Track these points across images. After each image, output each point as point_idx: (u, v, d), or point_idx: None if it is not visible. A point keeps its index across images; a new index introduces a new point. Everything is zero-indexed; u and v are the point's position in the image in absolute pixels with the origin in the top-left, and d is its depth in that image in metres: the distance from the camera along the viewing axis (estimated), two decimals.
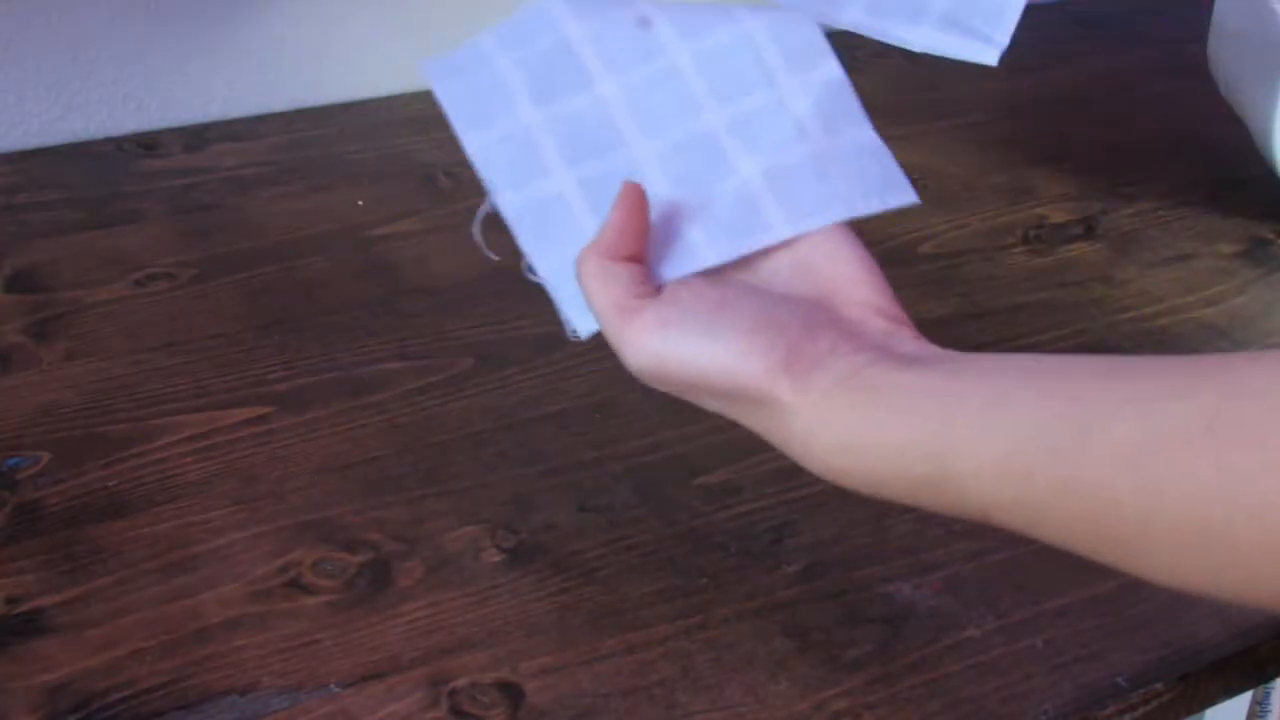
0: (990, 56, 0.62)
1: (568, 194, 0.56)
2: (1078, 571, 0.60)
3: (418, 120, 1.02)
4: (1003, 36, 0.62)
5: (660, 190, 0.55)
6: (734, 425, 0.67)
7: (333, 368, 0.73)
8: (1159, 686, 0.54)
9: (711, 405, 0.51)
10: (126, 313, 0.77)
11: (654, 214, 0.54)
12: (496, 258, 0.57)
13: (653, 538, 0.61)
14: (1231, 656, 0.56)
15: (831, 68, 0.57)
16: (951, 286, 0.81)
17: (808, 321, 0.50)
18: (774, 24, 0.57)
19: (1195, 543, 0.39)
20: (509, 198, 0.56)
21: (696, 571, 0.59)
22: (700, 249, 0.54)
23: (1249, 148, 0.91)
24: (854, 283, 0.52)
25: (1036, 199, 0.93)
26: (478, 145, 0.57)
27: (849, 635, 0.56)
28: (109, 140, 0.98)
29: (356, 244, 0.85)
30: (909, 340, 0.50)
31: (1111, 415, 0.41)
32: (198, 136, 0.99)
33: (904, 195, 0.55)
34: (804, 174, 0.55)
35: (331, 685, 0.53)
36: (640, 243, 0.53)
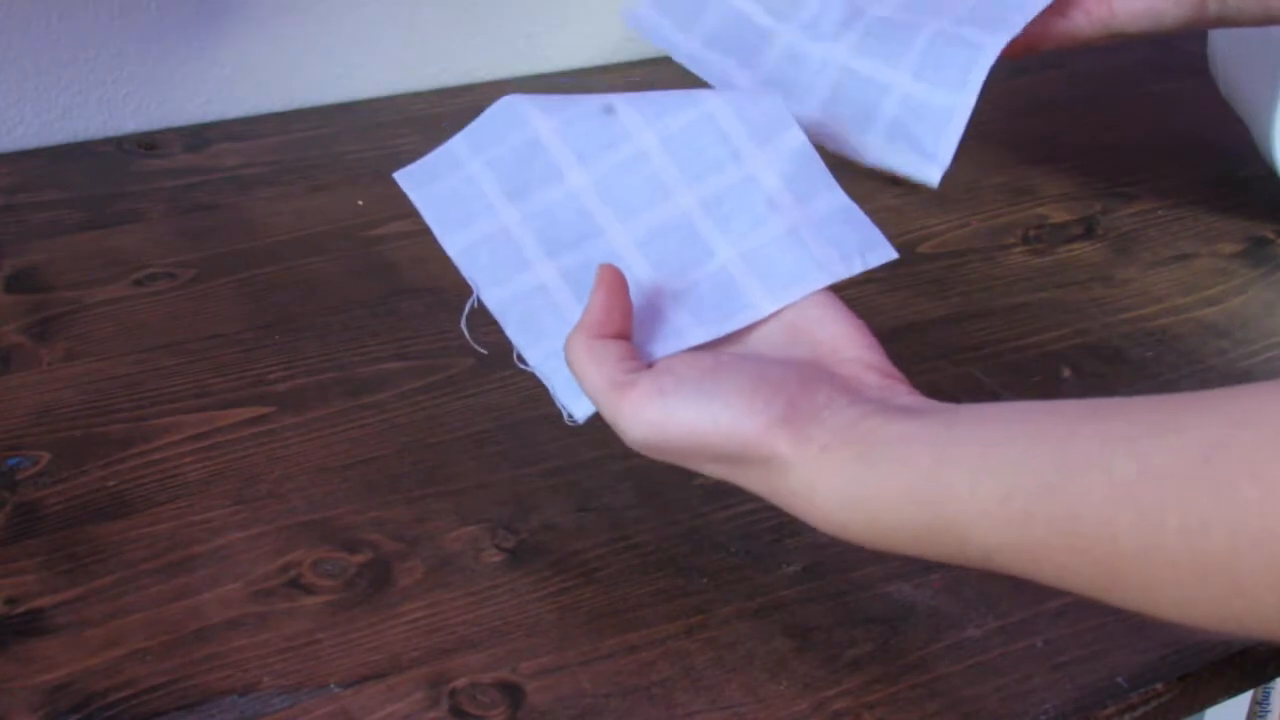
0: (933, 175, 0.64)
1: (550, 285, 0.57)
2: None
3: (418, 120, 1.02)
4: (945, 155, 0.64)
5: (642, 275, 0.56)
6: None
7: (333, 368, 0.73)
8: (1159, 686, 0.54)
9: (712, 470, 0.52)
10: (126, 313, 0.77)
11: (637, 298, 0.55)
12: (485, 351, 0.61)
13: (653, 538, 0.61)
14: (1231, 656, 0.56)
15: (795, 136, 0.58)
16: (951, 286, 0.81)
17: (803, 378, 0.51)
18: (734, 100, 0.59)
19: (1198, 576, 0.39)
20: (493, 294, 0.57)
21: (696, 571, 0.59)
22: (686, 329, 0.55)
23: (1249, 148, 0.91)
24: (845, 342, 0.53)
25: (1036, 199, 0.93)
26: (458, 248, 0.59)
27: (849, 635, 0.56)
28: (109, 140, 0.98)
29: (356, 244, 0.85)
30: (904, 394, 0.51)
31: (1108, 452, 0.41)
32: (198, 136, 0.99)
33: (883, 253, 0.56)
34: (781, 247, 0.56)
35: (331, 685, 0.53)
36: (625, 321, 0.54)
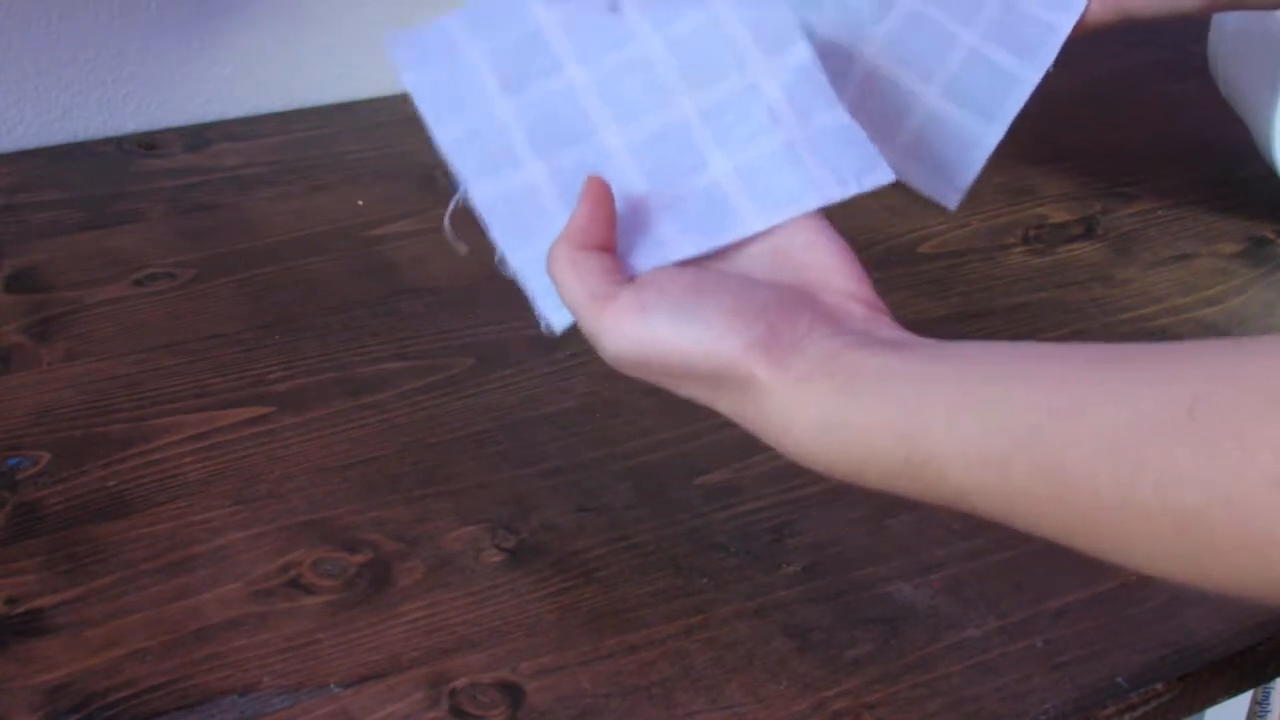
0: (951, 200, 0.64)
1: (540, 185, 0.55)
2: (1078, 571, 0.60)
3: (418, 120, 1.02)
4: (965, 181, 0.64)
5: (632, 181, 0.55)
6: (734, 425, 0.67)
7: (333, 368, 0.73)
8: (1159, 686, 0.54)
9: (688, 392, 0.51)
10: (126, 313, 0.77)
11: (624, 206, 0.53)
12: (465, 249, 0.57)
13: (653, 538, 0.61)
14: (1231, 656, 0.56)
15: (802, 50, 0.56)
16: (951, 286, 0.81)
17: (786, 304, 0.50)
18: (743, 5, 0.57)
19: (1172, 530, 0.38)
20: (481, 190, 0.55)
21: (696, 571, 0.59)
22: (671, 241, 0.53)
23: (1249, 148, 0.91)
24: (832, 271, 0.52)
25: (1036, 199, 0.93)
26: (450, 137, 0.56)
27: (849, 635, 0.56)
28: (109, 140, 0.98)
29: (356, 244, 0.85)
30: (887, 326, 0.50)
31: (1092, 399, 0.41)
32: (198, 136, 0.99)
33: (880, 175, 0.55)
34: (777, 163, 0.54)
35: (331, 685, 0.53)
36: (609, 233, 0.53)
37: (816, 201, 0.53)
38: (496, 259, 0.55)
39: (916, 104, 0.66)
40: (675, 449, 0.67)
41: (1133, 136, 1.03)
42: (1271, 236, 0.88)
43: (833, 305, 0.51)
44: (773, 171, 0.54)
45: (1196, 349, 0.40)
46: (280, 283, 0.81)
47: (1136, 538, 0.40)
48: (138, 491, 0.63)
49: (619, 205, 0.53)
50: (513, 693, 0.53)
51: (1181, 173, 0.97)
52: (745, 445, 0.67)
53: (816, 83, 0.56)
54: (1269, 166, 0.88)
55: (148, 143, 0.97)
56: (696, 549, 0.61)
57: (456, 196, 0.56)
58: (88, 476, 0.64)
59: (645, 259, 0.53)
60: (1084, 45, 1.15)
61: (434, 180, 0.93)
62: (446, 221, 0.56)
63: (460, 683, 0.54)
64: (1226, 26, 0.95)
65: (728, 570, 0.60)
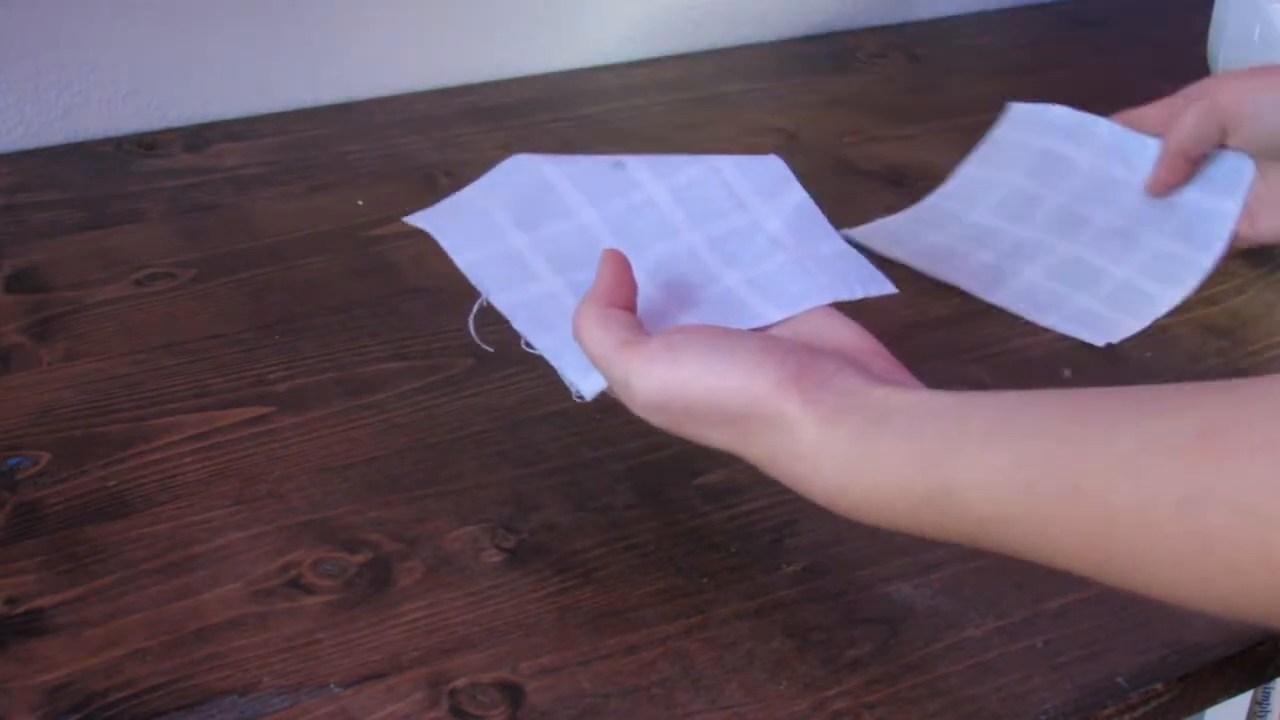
0: (1105, 338, 0.77)
1: (558, 293, 0.58)
2: None
3: (418, 120, 1.02)
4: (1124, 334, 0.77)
5: (651, 296, 0.57)
6: None
7: (333, 368, 0.73)
8: (1159, 686, 0.54)
9: (719, 438, 0.52)
10: (126, 313, 0.77)
11: (646, 310, 0.56)
12: (491, 349, 0.61)
13: (653, 538, 0.61)
14: (1231, 656, 0.56)
15: (798, 193, 0.61)
16: (952, 286, 0.81)
17: (813, 350, 0.51)
18: (740, 162, 0.62)
19: (1192, 551, 0.39)
20: (503, 298, 0.58)
21: (696, 571, 0.59)
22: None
23: None
24: (853, 343, 0.54)
25: None
26: (468, 261, 0.59)
27: (849, 635, 0.56)
28: (109, 140, 0.98)
29: (356, 244, 0.85)
30: (910, 379, 0.51)
31: (1111, 427, 0.41)
32: (198, 136, 0.99)
33: (883, 286, 0.59)
34: (786, 273, 0.58)
35: (331, 685, 0.53)
36: (631, 297, 0.54)
37: (827, 298, 0.57)
38: (523, 343, 0.57)
39: (1105, 277, 0.81)
40: (675, 449, 0.67)
41: None
42: None
43: (857, 358, 0.52)
44: (784, 279, 0.58)
45: (1202, 387, 0.41)
46: (280, 283, 0.81)
47: (1158, 562, 0.40)
48: (138, 491, 0.63)
49: (640, 310, 0.55)
50: (513, 693, 0.53)
51: None
52: None
53: (815, 219, 0.60)
54: None
55: (148, 143, 0.98)
56: (696, 549, 0.61)
57: (478, 302, 0.58)
58: (88, 476, 0.64)
59: None
60: (1084, 45, 1.15)
61: (434, 180, 0.93)
62: (470, 325, 0.59)
63: (460, 683, 0.54)
64: (1226, 27, 0.95)
65: (728, 570, 0.60)
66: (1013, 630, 0.57)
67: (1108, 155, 0.84)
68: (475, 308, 0.59)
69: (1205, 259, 0.80)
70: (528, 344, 0.57)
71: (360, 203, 0.90)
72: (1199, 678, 0.55)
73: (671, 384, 0.50)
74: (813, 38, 1.21)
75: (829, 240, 0.60)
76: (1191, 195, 0.81)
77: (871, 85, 1.11)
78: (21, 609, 0.57)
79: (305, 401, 0.70)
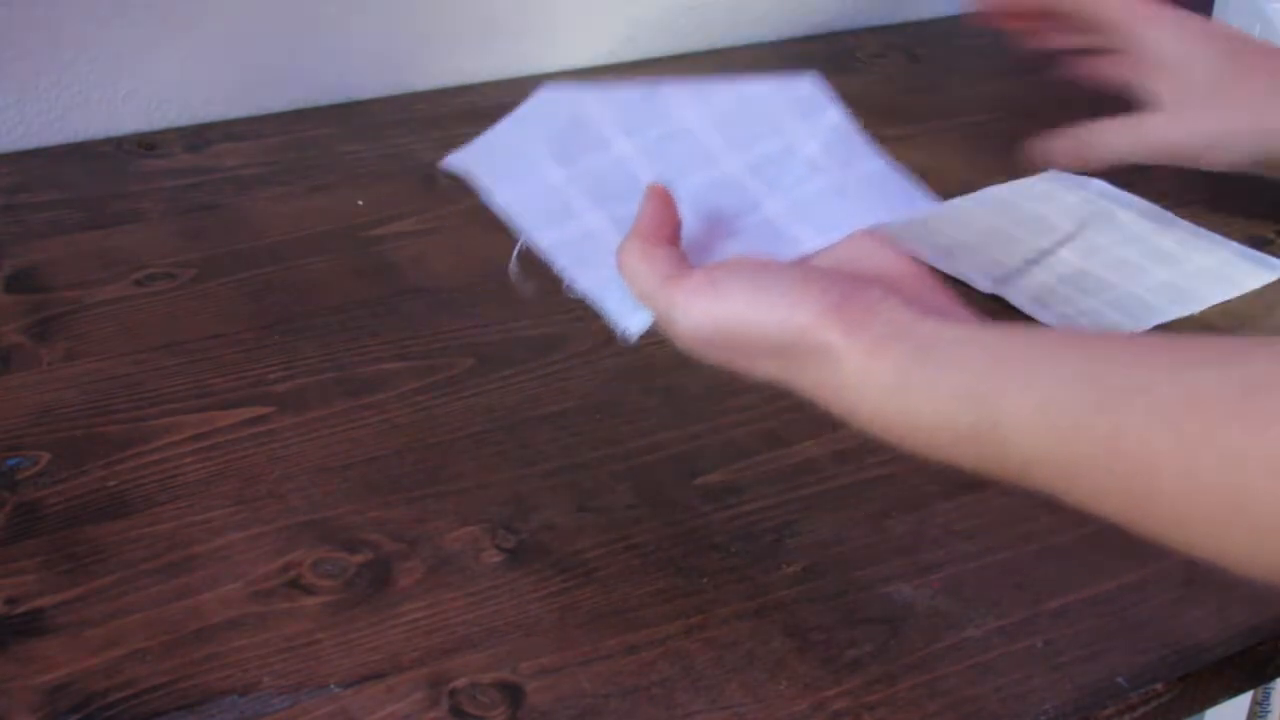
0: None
1: (600, 229, 0.57)
2: (1078, 571, 0.60)
3: (418, 120, 1.02)
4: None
5: (691, 227, 0.56)
6: (734, 425, 0.67)
7: (333, 368, 0.73)
8: (1159, 686, 0.54)
9: (763, 369, 0.51)
10: (126, 313, 0.77)
11: (686, 242, 0.55)
12: (533, 288, 0.59)
13: (653, 538, 0.61)
14: (1231, 656, 0.56)
15: (835, 114, 0.59)
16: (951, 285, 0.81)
17: (857, 278, 0.50)
18: (775, 84, 0.60)
19: (1232, 508, 0.38)
20: (544, 236, 0.57)
21: (696, 571, 0.59)
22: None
23: None
24: (896, 270, 0.53)
25: None
26: (507, 198, 0.58)
27: (849, 635, 0.56)
28: (109, 140, 0.98)
29: (356, 244, 0.85)
30: (954, 306, 0.51)
31: (1154, 375, 0.41)
32: (198, 136, 0.99)
33: (925, 204, 0.57)
34: (826, 198, 0.57)
35: (331, 685, 0.53)
36: (675, 233, 0.54)
37: (868, 222, 0.55)
38: (565, 285, 0.56)
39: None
40: (675, 449, 0.67)
41: None
42: (1271, 236, 0.88)
43: (900, 285, 0.51)
44: (824, 204, 0.56)
45: (1243, 341, 0.41)
46: (280, 283, 0.81)
47: (1196, 518, 0.40)
48: (138, 491, 0.63)
49: (682, 242, 0.54)
50: (513, 693, 0.53)
51: (1181, 172, 0.96)
52: (745, 445, 0.67)
53: (852, 138, 0.59)
54: None
55: (148, 143, 0.97)
56: (696, 549, 0.61)
57: (519, 243, 0.58)
58: (88, 476, 0.64)
59: None
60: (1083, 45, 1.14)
61: (434, 180, 0.93)
62: (513, 265, 0.58)
63: (460, 683, 0.54)
64: None
65: (728, 570, 0.60)
66: (1013, 630, 0.57)
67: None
68: (517, 249, 0.58)
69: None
70: (570, 287, 0.56)
71: (360, 203, 0.90)
72: (1199, 678, 0.55)
73: (715, 318, 0.50)
74: (813, 38, 1.21)
75: (868, 159, 0.58)
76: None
77: (871, 85, 1.11)
78: (21, 609, 0.56)
79: (305, 401, 0.70)
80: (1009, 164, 0.97)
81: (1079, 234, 0.86)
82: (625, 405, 0.70)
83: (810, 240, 0.55)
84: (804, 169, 0.57)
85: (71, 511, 0.62)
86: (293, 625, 0.56)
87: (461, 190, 0.93)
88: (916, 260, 0.53)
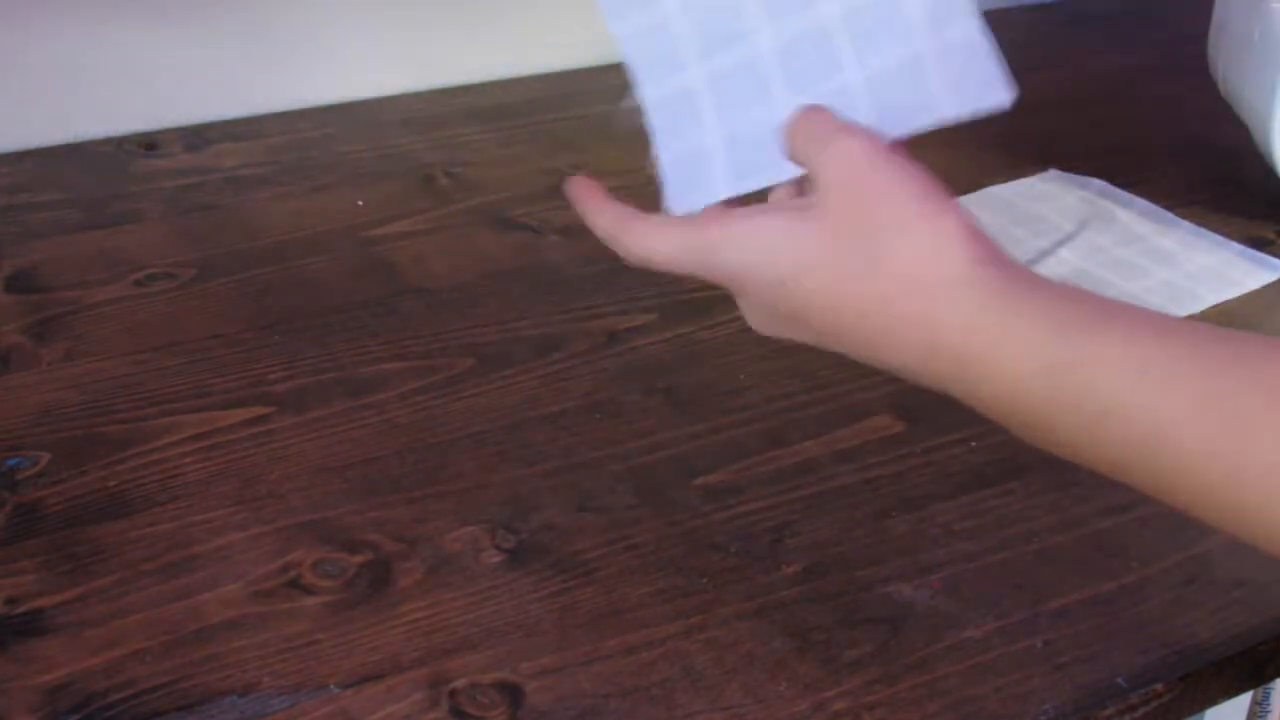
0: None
1: (697, 89, 0.58)
2: (1078, 571, 0.60)
3: (418, 120, 1.02)
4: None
5: (774, 86, 0.57)
6: (734, 425, 0.67)
7: (333, 368, 0.73)
8: (1159, 686, 0.54)
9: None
10: (126, 313, 0.77)
11: (765, 114, 0.56)
12: (636, 104, 0.59)
13: (653, 538, 0.61)
14: (1232, 656, 0.56)
15: None
16: None
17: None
18: None
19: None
20: (650, 92, 0.58)
21: (696, 571, 0.59)
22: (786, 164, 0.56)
23: (1249, 148, 0.91)
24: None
25: None
26: (625, 33, 0.59)
27: (849, 635, 0.56)
28: (109, 140, 0.98)
29: (356, 244, 0.85)
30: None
31: (1261, 358, 0.41)
32: (198, 136, 0.99)
33: (999, 96, 0.56)
34: (903, 76, 0.56)
35: (331, 685, 0.53)
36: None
37: (934, 121, 0.56)
38: (648, 156, 0.57)
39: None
40: (675, 449, 0.67)
41: (1133, 136, 1.03)
42: (1271, 236, 0.88)
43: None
44: (898, 86, 0.56)
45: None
46: (280, 283, 0.81)
47: (1253, 500, 0.39)
48: (138, 491, 0.63)
49: (761, 114, 0.56)
50: (513, 693, 0.53)
51: (1181, 173, 0.97)
52: (745, 445, 0.67)
53: None
54: (1269, 166, 0.88)
55: (148, 143, 0.97)
56: (696, 549, 0.61)
57: (629, 97, 0.58)
58: (88, 476, 0.64)
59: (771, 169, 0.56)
60: (1084, 45, 1.15)
61: (434, 180, 0.93)
62: (627, 115, 0.58)
63: (460, 683, 0.54)
64: (1226, 26, 0.95)
65: (728, 570, 0.60)
66: (1013, 630, 0.57)
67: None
68: (631, 102, 0.58)
69: None
70: (653, 158, 0.57)
71: (360, 203, 0.90)
72: (1199, 678, 0.55)
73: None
74: None
75: (961, 22, 0.56)
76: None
77: None
78: (21, 609, 0.57)
79: (305, 401, 0.70)
80: (1009, 164, 0.97)
81: (1079, 234, 0.86)
82: (625, 405, 0.70)
83: (874, 128, 0.55)
84: (899, 29, 0.56)
85: (71, 512, 0.62)
86: (292, 625, 0.56)
87: (462, 190, 0.93)
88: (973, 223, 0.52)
